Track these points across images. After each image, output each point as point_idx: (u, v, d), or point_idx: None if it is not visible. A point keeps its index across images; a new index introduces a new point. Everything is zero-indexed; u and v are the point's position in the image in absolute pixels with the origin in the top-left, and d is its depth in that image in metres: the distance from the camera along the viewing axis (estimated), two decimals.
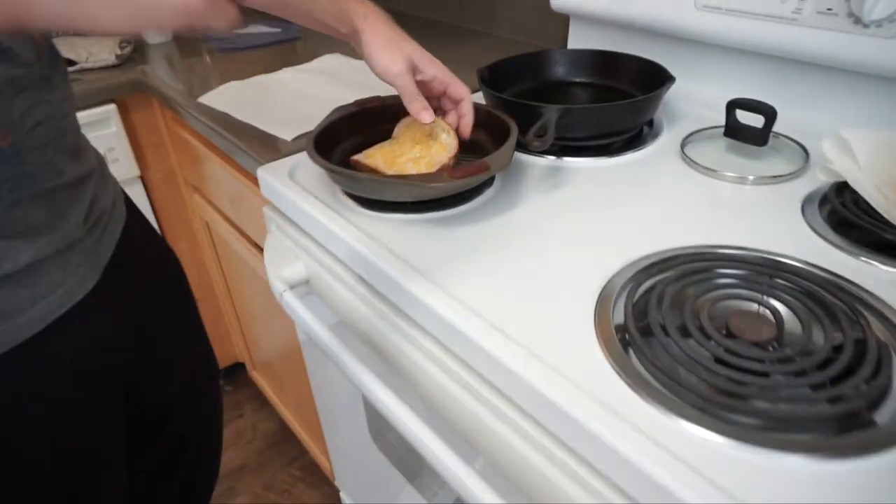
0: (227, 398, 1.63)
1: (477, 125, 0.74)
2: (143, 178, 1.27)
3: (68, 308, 0.55)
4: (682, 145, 0.73)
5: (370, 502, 1.02)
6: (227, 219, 1.13)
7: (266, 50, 1.24)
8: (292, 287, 0.71)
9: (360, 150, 0.73)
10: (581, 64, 0.87)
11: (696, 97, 0.83)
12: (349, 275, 0.64)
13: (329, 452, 1.14)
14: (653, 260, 0.54)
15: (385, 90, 0.71)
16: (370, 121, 0.77)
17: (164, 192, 1.31)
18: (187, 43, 1.32)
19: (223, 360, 1.60)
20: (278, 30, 1.33)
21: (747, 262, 0.52)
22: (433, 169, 0.66)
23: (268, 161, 0.78)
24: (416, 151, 0.69)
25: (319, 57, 1.12)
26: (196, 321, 0.84)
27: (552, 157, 0.74)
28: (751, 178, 0.66)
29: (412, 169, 0.67)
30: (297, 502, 1.37)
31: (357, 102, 0.77)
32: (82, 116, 1.12)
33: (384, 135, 0.76)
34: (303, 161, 0.76)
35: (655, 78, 0.78)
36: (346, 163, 0.72)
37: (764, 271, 0.51)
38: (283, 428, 1.51)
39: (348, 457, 1.02)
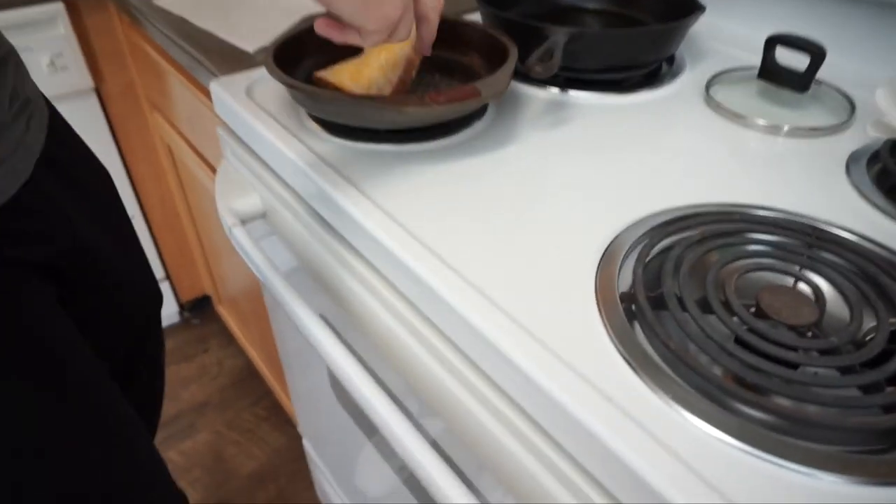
0: (193, 332, 1.56)
1: (470, 47, 0.64)
2: (98, 92, 1.14)
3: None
4: (708, 86, 0.63)
5: (329, 454, 0.95)
6: (187, 141, 1.01)
7: None
8: (244, 222, 0.62)
9: (328, 67, 0.62)
10: None
11: (727, 34, 0.72)
12: (307, 211, 0.54)
13: (291, 398, 1.07)
14: (669, 217, 0.45)
15: None
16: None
17: (123, 108, 1.18)
18: None
19: (190, 292, 1.52)
20: None
21: (783, 227, 0.44)
22: (399, 69, 0.56)
23: (226, 72, 0.66)
24: (383, 58, 0.59)
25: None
26: (135, 241, 0.71)
27: (556, 90, 0.63)
28: (786, 128, 0.56)
29: (379, 78, 0.57)
30: (260, 443, 1.31)
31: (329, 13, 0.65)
32: (22, 14, 0.99)
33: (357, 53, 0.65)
34: (264, 77, 0.65)
35: (681, 8, 0.67)
36: (311, 81, 0.61)
37: (803, 240, 0.42)
38: (250, 366, 1.44)
39: (310, 405, 0.96)
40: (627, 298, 0.38)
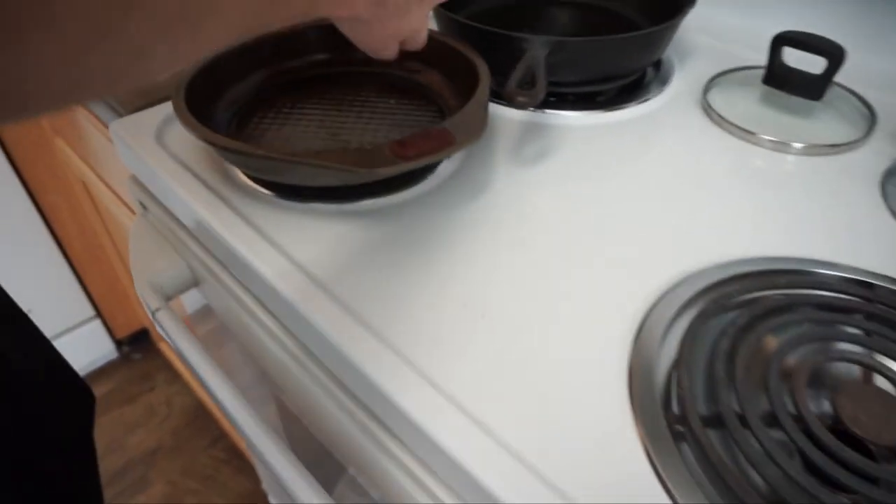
0: (134, 368, 1.42)
1: (427, 61, 0.53)
2: None
3: None
4: (705, 93, 0.55)
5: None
6: (99, 177, 0.87)
7: None
8: (171, 297, 0.50)
9: (260, 96, 0.51)
10: None
11: (720, 25, 0.63)
12: (244, 293, 0.44)
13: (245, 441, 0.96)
14: (696, 288, 0.36)
15: None
16: (274, 56, 0.54)
17: (22, 134, 1.02)
18: None
19: (126, 327, 1.38)
20: None
21: (831, 289, 0.36)
22: None
23: (128, 105, 0.54)
24: None
25: None
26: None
27: (531, 109, 0.53)
28: (800, 145, 0.49)
29: None
30: (221, 489, 1.20)
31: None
32: None
33: (295, 76, 0.54)
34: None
35: (667, 2, 0.58)
36: (241, 117, 0.49)
37: (862, 307, 0.35)
38: (203, 402, 1.32)
39: None
40: (677, 420, 0.30)
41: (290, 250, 0.40)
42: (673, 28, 0.52)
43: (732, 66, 0.58)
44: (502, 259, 0.39)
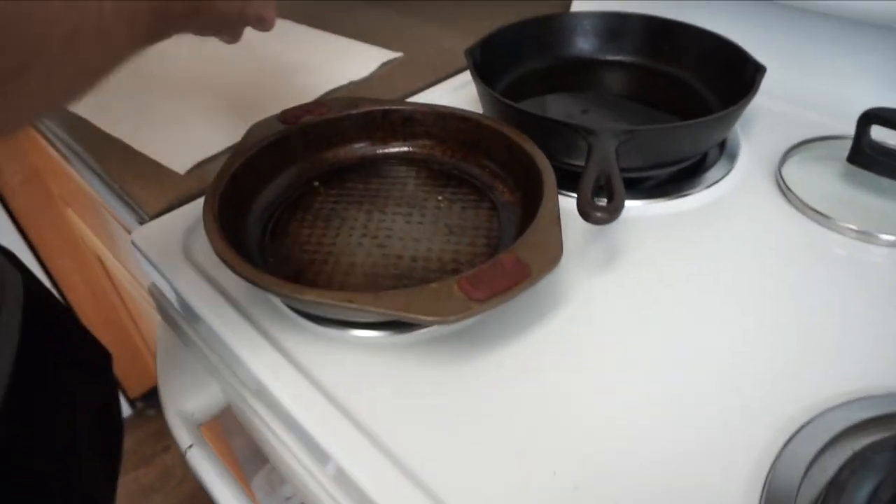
0: (149, 426, 1.37)
1: (474, 146, 0.49)
2: None
3: None
4: (780, 170, 0.50)
5: None
6: (115, 256, 0.83)
7: None
8: (201, 424, 0.45)
9: (296, 193, 0.47)
10: (616, 34, 0.60)
11: (794, 90, 0.58)
12: (279, 425, 0.39)
13: None
14: (835, 430, 0.31)
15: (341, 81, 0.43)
16: (310, 146, 0.49)
17: (29, 200, 0.98)
18: None
19: (140, 386, 1.33)
20: None
21: None
22: None
23: (147, 209, 0.49)
24: None
25: None
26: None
27: None
28: (887, 237, 0.43)
29: None
30: None
31: (287, 115, 0.49)
32: None
33: (332, 166, 0.50)
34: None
35: (727, 64, 0.53)
36: (277, 220, 0.45)
37: None
38: None
39: None
40: None
41: (332, 390, 0.35)
42: (739, 109, 0.47)
43: (808, 136, 0.52)
44: (583, 395, 0.34)
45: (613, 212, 0.37)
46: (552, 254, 0.35)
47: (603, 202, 0.38)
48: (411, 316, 0.32)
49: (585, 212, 0.37)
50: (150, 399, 1.37)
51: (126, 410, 1.36)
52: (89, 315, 1.14)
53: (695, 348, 0.37)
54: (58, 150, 0.62)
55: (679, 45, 0.57)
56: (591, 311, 0.39)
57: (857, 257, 0.43)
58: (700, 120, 0.44)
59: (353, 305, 0.33)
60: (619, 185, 0.39)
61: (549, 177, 0.41)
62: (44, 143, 0.76)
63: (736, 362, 0.36)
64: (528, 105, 0.57)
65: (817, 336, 0.37)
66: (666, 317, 0.39)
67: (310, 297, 0.33)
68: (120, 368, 1.25)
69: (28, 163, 0.95)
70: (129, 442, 1.33)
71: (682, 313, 0.39)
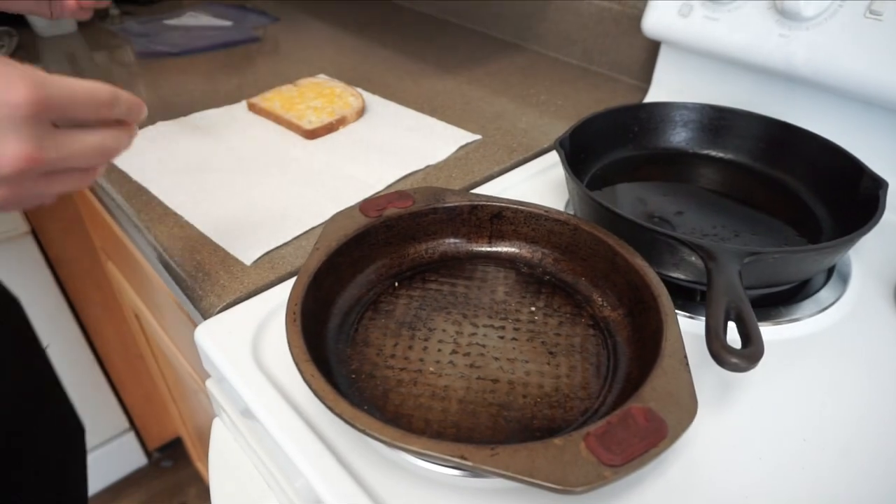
0: (165, 478, 1.31)
1: (560, 248, 0.45)
2: (35, 233, 0.91)
3: None
4: None
5: None
6: (158, 322, 0.79)
7: (211, 57, 0.88)
8: None
9: (378, 291, 0.43)
10: (714, 129, 0.57)
11: None
12: None
13: None
14: None
15: (418, 166, 0.40)
16: (392, 241, 0.46)
17: (67, 247, 0.96)
18: (99, 38, 0.95)
19: (159, 438, 1.28)
20: (228, 23, 0.97)
21: None
22: (333, 118, 0.66)
23: (213, 298, 0.46)
24: (318, 102, 0.69)
25: (300, 80, 0.76)
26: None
27: (697, 321, 0.44)
28: None
29: (312, 116, 0.66)
30: None
31: (368, 206, 0.46)
32: None
33: (418, 262, 0.46)
34: (277, 317, 0.44)
35: (840, 173, 0.50)
36: (359, 323, 0.41)
37: None
38: None
39: None
40: None
41: None
42: (877, 223, 0.43)
43: None
44: None
45: (754, 358, 0.33)
46: (688, 407, 0.31)
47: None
48: (536, 482, 0.28)
49: (720, 357, 0.33)
50: (168, 450, 1.33)
51: (141, 460, 1.31)
52: (116, 364, 1.11)
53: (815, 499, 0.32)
54: (116, 221, 0.60)
55: (783, 147, 0.54)
56: (705, 460, 0.35)
57: None
58: (830, 244, 0.40)
59: (468, 464, 0.28)
60: (754, 324, 0.35)
61: (667, 303, 0.37)
62: (91, 197, 0.73)
63: None
64: (615, 195, 0.54)
65: None
66: (782, 463, 0.34)
67: (418, 447, 0.29)
68: (142, 419, 1.21)
69: (71, 210, 0.93)
70: (142, 494, 1.28)
71: (801, 459, 0.34)
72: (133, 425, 1.20)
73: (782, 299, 0.46)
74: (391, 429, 0.30)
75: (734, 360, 0.33)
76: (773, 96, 0.60)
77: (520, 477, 0.28)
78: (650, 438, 0.29)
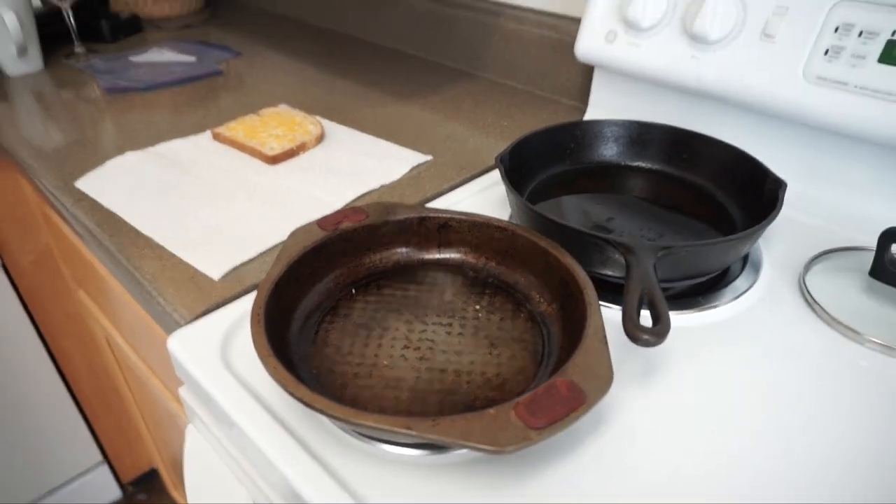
0: None
1: (512, 258, 0.50)
2: (5, 267, 0.93)
3: None
4: (804, 280, 0.51)
5: None
6: (130, 345, 0.82)
7: (176, 91, 0.92)
8: None
9: (338, 297, 0.48)
10: (638, 142, 0.63)
11: (812, 202, 0.60)
12: None
13: None
14: None
15: (373, 185, 0.44)
16: (348, 252, 0.50)
17: (37, 279, 0.97)
18: (65, 76, 0.99)
19: (134, 469, 1.28)
20: (192, 58, 1.02)
21: None
22: (294, 145, 0.71)
23: (183, 310, 0.49)
24: (279, 130, 0.74)
25: (262, 110, 0.81)
26: None
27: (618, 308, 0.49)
28: None
29: (274, 143, 0.71)
30: None
31: (325, 221, 0.50)
32: None
33: (373, 270, 0.50)
34: (243, 323, 0.48)
35: (747, 177, 0.56)
36: (319, 325, 0.45)
37: None
38: None
39: None
40: None
41: None
42: (774, 218, 0.49)
43: (830, 246, 0.54)
44: None
45: (661, 335, 0.38)
46: (604, 378, 0.36)
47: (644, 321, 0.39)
48: (471, 444, 0.32)
49: (632, 334, 0.38)
50: (143, 484, 1.32)
51: (116, 494, 1.30)
52: (88, 396, 1.12)
53: (733, 464, 0.37)
54: (85, 244, 0.63)
55: (698, 154, 0.60)
56: (633, 430, 0.40)
57: (882, 371, 0.44)
58: (733, 237, 0.46)
59: (413, 433, 0.33)
60: (663, 307, 0.40)
61: (591, 294, 0.42)
62: (67, 230, 0.76)
63: (768, 480, 0.36)
64: (554, 207, 0.59)
65: (843, 445, 0.38)
66: (702, 433, 0.39)
67: (369, 422, 0.33)
68: (115, 451, 1.22)
69: (41, 243, 0.95)
70: None
71: (719, 430, 0.39)
72: (106, 458, 1.21)
73: (706, 288, 0.51)
74: (346, 408, 0.34)
75: (645, 336, 0.38)
76: (691, 110, 0.66)
77: (458, 441, 0.32)
78: (571, 404, 0.34)
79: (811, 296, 0.50)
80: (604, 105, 0.76)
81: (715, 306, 0.50)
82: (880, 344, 0.45)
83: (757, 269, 0.54)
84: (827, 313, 0.48)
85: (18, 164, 0.78)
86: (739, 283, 0.52)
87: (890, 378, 0.43)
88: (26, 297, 0.97)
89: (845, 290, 0.51)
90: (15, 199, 0.90)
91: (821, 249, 0.54)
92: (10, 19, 0.91)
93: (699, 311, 0.49)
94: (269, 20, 1.28)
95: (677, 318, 0.48)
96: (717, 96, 0.62)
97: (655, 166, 0.63)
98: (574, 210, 0.59)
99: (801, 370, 0.44)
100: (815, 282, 0.52)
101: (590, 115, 0.77)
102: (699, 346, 0.46)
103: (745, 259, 0.55)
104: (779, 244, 0.56)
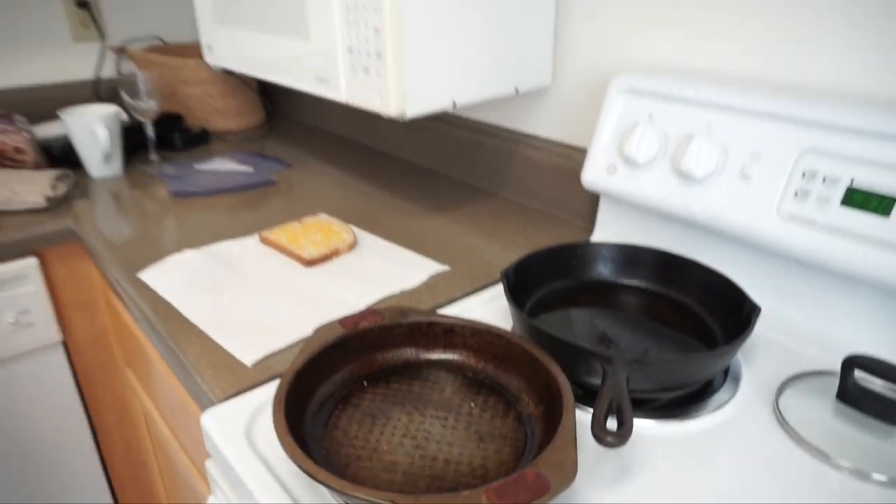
0: None
1: (507, 362, 0.56)
2: (65, 343, 1.03)
3: None
4: (778, 401, 0.55)
5: None
6: (165, 420, 0.89)
7: (233, 197, 1.05)
8: None
9: (350, 389, 0.54)
10: (631, 263, 0.70)
11: (786, 323, 0.66)
12: None
13: None
14: None
15: (394, 290, 0.52)
16: (363, 349, 0.57)
17: (91, 356, 1.07)
18: (140, 179, 1.13)
19: None
20: (249, 169, 1.16)
21: None
22: (329, 250, 0.81)
23: (218, 391, 0.57)
24: (318, 236, 0.85)
25: (304, 218, 0.93)
26: None
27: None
28: (879, 477, 0.48)
29: (312, 248, 0.82)
30: None
31: (346, 321, 0.58)
32: None
33: (383, 367, 0.57)
34: (269, 401, 0.55)
35: (728, 299, 0.62)
36: (331, 412, 0.52)
37: None
38: None
39: None
40: None
41: None
42: (737, 344, 0.54)
43: (803, 369, 0.59)
44: None
45: (623, 437, 0.43)
46: (569, 472, 0.41)
47: (615, 425, 0.44)
48: None
49: (598, 437, 0.44)
50: None
51: None
52: (118, 469, 1.18)
53: None
54: (140, 327, 0.72)
55: (683, 275, 0.67)
56: None
57: (851, 494, 0.47)
58: (702, 353, 0.52)
59: None
60: (628, 414, 0.45)
61: (568, 397, 0.48)
62: (124, 313, 0.86)
63: None
64: (554, 318, 0.65)
65: None
66: None
67: (361, 494, 0.39)
68: None
69: (100, 324, 1.05)
70: None
71: None
72: None
73: (691, 400, 0.56)
74: (343, 481, 0.40)
75: (608, 438, 0.43)
76: (683, 237, 0.74)
77: None
78: (535, 492, 0.39)
79: (783, 417, 0.54)
80: (609, 227, 0.84)
81: (695, 417, 0.54)
82: (849, 468, 0.49)
83: (737, 383, 0.58)
84: (798, 434, 0.52)
85: (91, 253, 0.90)
86: (720, 395, 0.57)
87: (860, 501, 0.47)
88: (79, 372, 1.06)
89: (817, 413, 0.55)
90: (83, 284, 1.02)
91: (795, 370, 0.59)
92: (102, 133, 1.07)
93: (679, 421, 0.54)
94: (318, 135, 1.43)
95: (658, 427, 0.53)
96: (704, 226, 0.69)
97: (648, 285, 0.70)
98: (570, 322, 0.66)
99: (771, 488, 0.47)
100: (788, 403, 0.56)
101: (596, 236, 0.85)
102: (675, 454, 0.50)
103: (727, 372, 0.59)
104: (758, 361, 0.61)
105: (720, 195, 0.67)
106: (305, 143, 1.37)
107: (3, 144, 1.05)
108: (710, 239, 0.71)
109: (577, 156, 0.91)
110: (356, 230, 0.88)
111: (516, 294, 0.64)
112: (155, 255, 0.82)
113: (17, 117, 1.12)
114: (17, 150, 1.07)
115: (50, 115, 1.33)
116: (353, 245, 0.84)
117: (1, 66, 1.36)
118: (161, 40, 1.55)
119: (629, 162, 0.75)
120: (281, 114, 1.62)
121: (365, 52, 0.75)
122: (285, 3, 0.85)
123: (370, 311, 0.59)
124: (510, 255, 0.83)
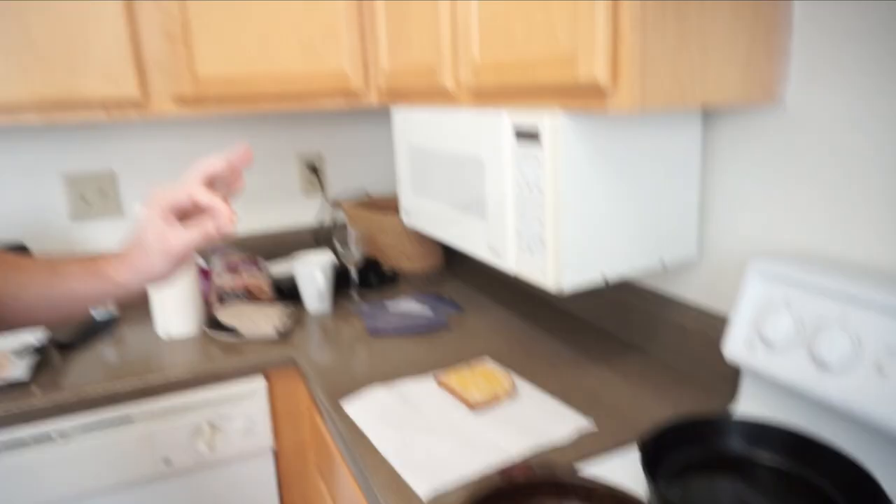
0: None
1: None
2: (274, 451, 1.27)
3: None
4: None
5: None
6: None
7: (414, 338, 1.26)
8: None
9: None
10: (767, 440, 0.75)
11: None
12: None
13: None
14: None
15: (546, 446, 0.63)
16: (516, 497, 0.69)
17: (292, 463, 1.29)
18: (344, 315, 1.39)
19: None
20: (430, 313, 1.37)
21: None
22: (491, 397, 0.96)
23: None
24: (482, 382, 1.00)
25: (472, 362, 1.09)
26: None
27: None
28: None
29: (476, 394, 0.96)
30: None
31: (506, 472, 0.71)
32: (228, 387, 1.17)
33: None
34: None
35: (861, 489, 0.64)
36: None
37: None
38: None
39: None
40: None
41: None
42: None
43: None
44: None
45: None
46: None
47: None
48: None
49: None
50: None
51: None
52: None
53: None
54: (337, 446, 0.91)
55: (818, 459, 0.70)
56: None
57: None
58: None
59: None
60: None
61: None
62: (325, 431, 1.06)
63: None
64: (684, 486, 0.72)
65: None
66: None
67: None
68: None
69: (302, 435, 1.28)
70: None
71: None
72: None
73: None
74: None
75: None
76: (819, 417, 0.77)
77: None
78: None
79: None
80: (752, 397, 0.89)
81: None
82: None
83: None
84: None
85: (304, 376, 1.13)
86: None
87: None
88: (281, 474, 1.28)
89: None
90: (293, 399, 1.26)
91: None
92: (319, 277, 1.36)
93: None
94: (486, 277, 1.63)
95: None
96: (842, 412, 0.73)
97: (782, 463, 0.74)
98: (698, 491, 0.72)
99: None
100: None
101: (741, 406, 0.90)
102: None
103: None
104: None
105: (855, 386, 0.71)
106: (475, 283, 1.57)
107: (253, 286, 1.38)
108: (847, 424, 0.74)
109: (720, 325, 0.98)
110: (515, 376, 1.02)
111: (652, 463, 0.72)
112: (349, 381, 1.03)
113: (261, 261, 1.46)
114: (260, 290, 1.39)
115: (276, 254, 1.69)
116: (511, 392, 0.97)
117: (251, 216, 1.77)
118: (367, 193, 1.89)
119: (766, 342, 0.81)
120: (456, 254, 1.86)
121: (530, 236, 0.92)
122: (470, 193, 1.07)
123: (523, 464, 0.72)
124: (652, 415, 0.91)
